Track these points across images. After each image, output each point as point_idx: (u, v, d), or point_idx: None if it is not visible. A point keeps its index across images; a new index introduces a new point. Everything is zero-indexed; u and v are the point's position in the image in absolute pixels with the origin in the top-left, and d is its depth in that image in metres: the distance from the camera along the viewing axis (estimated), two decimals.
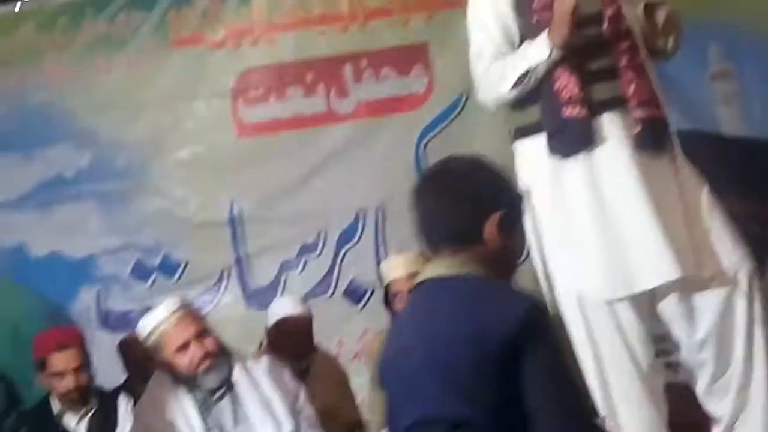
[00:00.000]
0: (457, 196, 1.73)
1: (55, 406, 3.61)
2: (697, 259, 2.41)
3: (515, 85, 2.46)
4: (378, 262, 4.72)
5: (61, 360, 3.55)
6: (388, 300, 4.20)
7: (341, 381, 3.97)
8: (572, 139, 2.43)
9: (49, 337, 3.73)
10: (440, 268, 1.70)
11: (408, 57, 4.86)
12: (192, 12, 4.79)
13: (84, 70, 4.76)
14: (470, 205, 1.72)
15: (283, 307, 3.92)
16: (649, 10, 2.47)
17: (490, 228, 1.70)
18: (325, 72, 4.81)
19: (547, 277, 2.48)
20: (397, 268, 3.42)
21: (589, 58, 2.47)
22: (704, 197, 2.50)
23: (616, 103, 2.45)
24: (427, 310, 1.68)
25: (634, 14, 2.46)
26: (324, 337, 4.65)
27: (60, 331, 4.03)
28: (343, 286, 4.79)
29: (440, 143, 4.84)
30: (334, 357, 4.22)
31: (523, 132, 2.56)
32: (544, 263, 2.48)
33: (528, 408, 1.54)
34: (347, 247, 4.81)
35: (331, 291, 4.79)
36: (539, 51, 2.43)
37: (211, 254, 4.77)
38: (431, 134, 4.86)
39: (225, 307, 4.56)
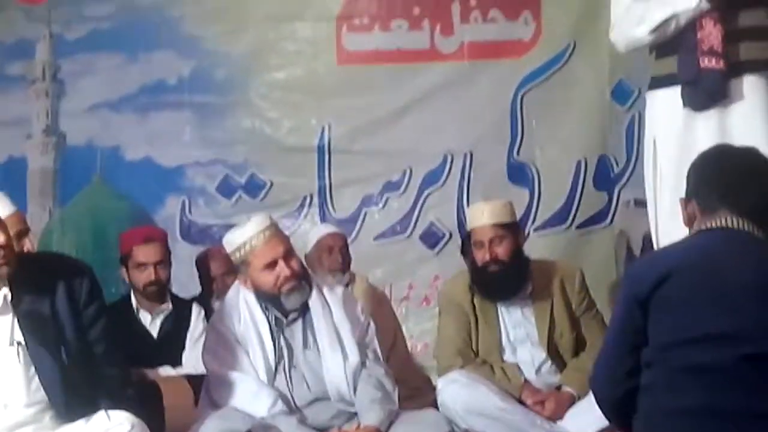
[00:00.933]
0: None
1: (134, 301, 3.73)
2: None
3: (654, 30, 2.36)
4: (460, 208, 4.70)
5: (145, 252, 3.67)
6: (464, 247, 4.19)
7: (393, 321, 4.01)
8: (706, 92, 2.36)
9: (135, 231, 3.88)
10: (747, 227, 2.03)
11: (518, 1, 4.74)
12: None
13: None
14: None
15: (322, 229, 4.23)
16: None
17: None
18: (433, 8, 4.73)
19: (656, 231, 2.43)
20: (485, 215, 3.36)
21: (740, 12, 2.36)
22: None
23: (762, 66, 2.35)
24: (749, 251, 2.00)
25: None
26: (395, 278, 4.70)
27: (147, 227, 4.19)
28: (421, 228, 4.78)
29: (538, 96, 4.76)
30: (384, 294, 4.23)
31: (658, 82, 2.48)
32: (656, 217, 2.42)
33: None
34: (431, 189, 4.79)
35: (408, 232, 4.78)
36: None
37: (296, 179, 4.80)
38: (530, 85, 4.77)
39: (303, 233, 4.58)
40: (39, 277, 2.43)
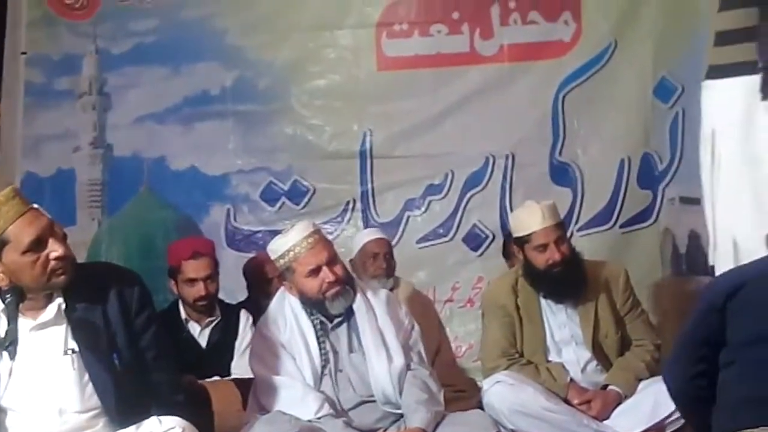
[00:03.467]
0: None
1: (182, 312, 3.77)
2: None
3: None
4: (503, 210, 4.70)
5: (195, 267, 3.69)
6: (506, 249, 4.18)
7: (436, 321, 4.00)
8: None
9: (185, 245, 3.88)
10: None
11: (558, 2, 4.73)
12: None
13: None
14: None
15: (366, 234, 4.24)
16: None
17: None
18: (472, 11, 4.74)
19: (713, 227, 2.39)
20: (546, 217, 3.35)
21: None
22: None
23: None
24: None
25: None
26: (439, 281, 4.71)
27: (195, 240, 4.21)
28: (464, 230, 4.78)
29: (579, 95, 4.74)
30: (429, 299, 4.23)
31: (719, 72, 2.41)
32: (714, 210, 2.38)
33: None
34: (473, 191, 4.79)
35: (451, 234, 4.79)
36: None
37: (338, 185, 4.84)
38: (572, 85, 4.75)
39: (346, 239, 4.61)
40: (91, 287, 2.47)
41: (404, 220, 4.80)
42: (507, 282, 3.47)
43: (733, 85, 2.34)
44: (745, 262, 2.29)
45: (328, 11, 4.81)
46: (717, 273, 2.44)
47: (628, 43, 4.69)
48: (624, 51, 4.70)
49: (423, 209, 4.81)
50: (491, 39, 4.76)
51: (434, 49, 4.78)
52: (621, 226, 4.69)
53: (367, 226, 4.73)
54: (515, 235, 3.47)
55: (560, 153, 4.75)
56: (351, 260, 3.98)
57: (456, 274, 4.75)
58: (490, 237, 4.74)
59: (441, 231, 4.79)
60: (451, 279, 4.74)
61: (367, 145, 4.80)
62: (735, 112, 2.32)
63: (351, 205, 4.83)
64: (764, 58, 2.26)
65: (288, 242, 2.97)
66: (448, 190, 4.79)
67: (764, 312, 2.05)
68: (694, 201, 4.10)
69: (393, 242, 4.48)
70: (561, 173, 4.75)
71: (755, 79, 2.30)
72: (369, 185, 4.82)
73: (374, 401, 2.94)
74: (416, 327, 3.14)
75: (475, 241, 4.77)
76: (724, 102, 2.37)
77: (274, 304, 3.09)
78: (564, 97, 4.75)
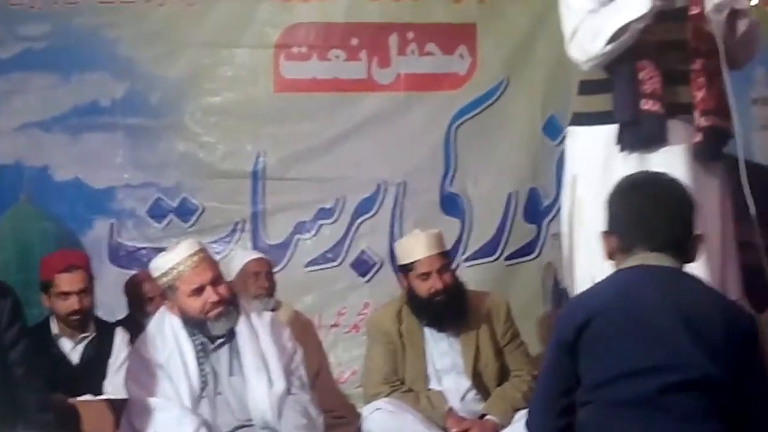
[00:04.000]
0: (685, 214, 2.11)
1: (54, 327, 3.65)
2: (723, 284, 2.39)
3: (610, 41, 2.36)
4: (392, 237, 4.73)
5: (67, 281, 3.59)
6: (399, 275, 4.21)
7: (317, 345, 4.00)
8: (645, 135, 2.38)
9: (58, 257, 3.77)
10: (665, 261, 2.07)
11: (455, 36, 4.82)
12: None
13: (137, 0, 4.71)
14: (690, 224, 2.11)
15: (246, 255, 4.27)
16: (732, 17, 2.39)
17: (696, 246, 2.12)
18: (370, 39, 4.77)
19: (571, 266, 2.46)
20: (430, 245, 3.39)
21: (669, 57, 2.40)
22: (733, 225, 2.46)
23: (684, 109, 2.40)
24: (667, 285, 2.04)
25: (716, 19, 2.39)
26: (326, 305, 4.70)
27: (68, 252, 4.08)
28: (352, 256, 4.78)
29: (472, 128, 4.83)
30: (310, 321, 4.24)
31: (581, 119, 2.49)
32: (572, 252, 2.45)
33: (747, 392, 1.97)
34: (364, 217, 4.81)
35: (340, 259, 4.79)
36: (639, 4, 2.33)
37: (228, 204, 4.77)
38: (465, 117, 4.84)
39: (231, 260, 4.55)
40: None
41: (294, 243, 4.78)
42: (392, 309, 3.50)
43: (594, 133, 2.42)
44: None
45: (227, 29, 4.76)
46: None
47: (520, 80, 4.82)
48: (516, 88, 4.83)
49: (313, 233, 4.80)
50: (388, 67, 4.81)
51: (332, 73, 4.80)
52: (506, 259, 4.78)
53: (256, 247, 4.68)
54: (400, 262, 3.51)
55: (451, 183, 4.83)
56: (230, 282, 3.94)
57: (343, 299, 4.75)
58: (379, 263, 4.76)
59: (330, 255, 4.78)
60: (337, 304, 4.74)
61: (260, 166, 4.76)
62: (595, 159, 2.40)
63: (240, 226, 4.77)
64: (621, 114, 2.37)
65: (172, 260, 2.93)
66: (339, 214, 4.80)
67: (613, 349, 1.98)
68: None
69: (281, 265, 4.46)
70: (451, 203, 4.82)
71: (614, 129, 2.40)
72: (260, 206, 4.78)
73: (252, 425, 2.92)
74: (299, 351, 3.13)
75: (363, 266, 4.78)
76: (585, 149, 2.45)
77: (153, 323, 3.03)
78: (457, 128, 4.83)
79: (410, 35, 4.80)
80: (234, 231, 4.76)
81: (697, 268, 2.27)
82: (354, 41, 4.79)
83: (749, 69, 4.91)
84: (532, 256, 4.78)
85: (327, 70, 4.79)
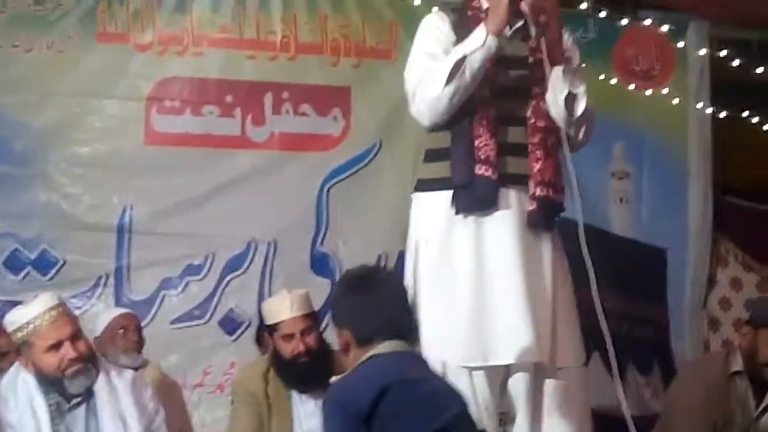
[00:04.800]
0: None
1: None
2: (553, 348, 2.47)
3: (449, 80, 2.40)
4: (261, 296, 4.69)
5: None
6: (260, 337, 4.17)
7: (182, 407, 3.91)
8: (478, 198, 2.45)
9: None
10: (401, 347, 2.29)
11: (330, 97, 4.91)
12: (124, 9, 4.71)
13: (4, 44, 4.60)
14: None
15: (114, 310, 4.19)
16: (570, 99, 2.54)
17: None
18: (246, 96, 4.80)
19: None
20: (294, 306, 3.36)
21: (507, 130, 2.51)
22: (570, 290, 2.56)
23: (520, 180, 2.50)
24: (413, 363, 2.29)
25: (554, 99, 2.53)
26: (191, 364, 4.60)
27: None
28: (220, 314, 4.73)
29: (344, 189, 4.89)
30: (175, 382, 4.15)
31: (425, 185, 2.56)
32: (417, 308, 2.50)
33: None
34: (233, 275, 4.77)
35: (207, 317, 4.72)
36: (474, 39, 2.41)
37: (91, 258, 4.65)
38: (337, 178, 4.90)
39: (95, 315, 4.39)
40: None
41: (159, 300, 4.68)
42: (258, 369, 3.44)
43: (436, 199, 2.51)
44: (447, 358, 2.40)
45: (98, 79, 4.69)
46: None
47: (393, 143, 4.93)
48: (388, 151, 4.93)
49: (180, 289, 4.72)
50: (263, 125, 4.83)
51: (205, 129, 4.78)
52: None
53: (118, 302, 4.57)
54: (266, 322, 3.47)
55: (322, 243, 4.85)
56: (96, 338, 3.81)
57: (209, 357, 4.67)
58: (246, 322, 4.71)
59: (197, 313, 4.71)
60: (203, 362, 4.65)
61: (126, 219, 4.66)
62: (436, 224, 2.48)
63: (103, 280, 4.64)
64: (457, 178, 2.48)
65: (28, 314, 2.80)
66: (208, 271, 4.74)
67: (406, 418, 2.08)
68: None
69: (146, 321, 4.35)
70: (321, 263, 4.83)
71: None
72: (124, 261, 4.67)
73: None
74: (161, 412, 3.03)
75: (230, 325, 4.72)
76: (428, 214, 2.52)
77: (5, 381, 2.88)
78: (329, 189, 4.88)
79: (285, 95, 4.85)
80: (96, 285, 4.63)
81: (524, 333, 2.38)
82: (228, 98, 4.79)
83: (607, 144, 5.25)
84: None
85: (200, 125, 4.78)
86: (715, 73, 5.45)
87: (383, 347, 2.21)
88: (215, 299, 4.73)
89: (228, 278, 4.75)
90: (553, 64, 2.47)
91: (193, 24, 4.75)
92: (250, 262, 4.77)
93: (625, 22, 5.25)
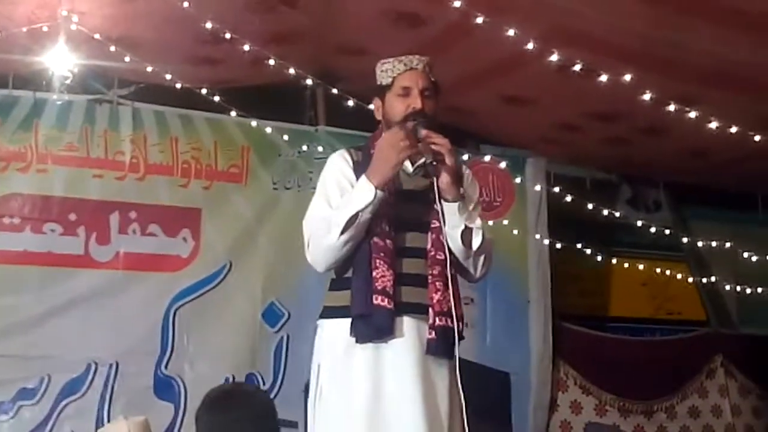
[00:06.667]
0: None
1: None
2: None
3: (343, 231, 2.53)
4: (99, 421, 4.50)
5: None
6: None
7: None
8: (375, 327, 2.55)
9: None
10: None
11: (179, 219, 4.87)
12: None
13: None
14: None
15: None
16: (467, 233, 2.64)
17: None
18: (90, 215, 4.69)
19: None
20: None
21: (406, 261, 2.62)
22: (459, 418, 2.63)
23: (419, 309, 2.60)
24: None
25: (451, 233, 2.62)
26: None
27: None
28: None
29: (191, 311, 4.82)
30: None
31: (328, 312, 2.65)
32: None
33: None
34: (70, 399, 4.56)
35: None
36: (363, 194, 2.53)
37: None
38: (185, 300, 4.82)
39: None
40: None
41: None
42: None
43: (338, 325, 2.61)
44: None
45: None
46: None
47: (242, 266, 4.92)
48: (238, 274, 4.91)
49: (11, 414, 4.45)
50: (107, 245, 4.72)
51: (45, 247, 4.62)
52: None
53: None
54: None
55: (166, 366, 4.71)
56: None
57: None
58: None
59: None
60: None
61: None
62: (337, 349, 2.59)
63: None
64: (356, 308, 2.59)
65: None
66: (42, 395, 4.50)
67: None
68: (292, 424, 4.24)
69: None
70: (165, 387, 4.69)
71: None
72: None
73: None
74: None
75: None
76: (329, 339, 2.64)
77: None
78: (177, 310, 4.78)
79: (133, 214, 4.78)
80: None
81: None
82: (72, 216, 4.68)
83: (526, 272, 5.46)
84: None
85: (41, 243, 4.62)
86: (552, 207, 5.77)
87: None
88: (49, 424, 4.48)
89: (64, 402, 4.52)
90: (450, 200, 2.61)
91: (37, 141, 4.66)
92: (89, 385, 4.56)
93: (466, 157, 5.53)
